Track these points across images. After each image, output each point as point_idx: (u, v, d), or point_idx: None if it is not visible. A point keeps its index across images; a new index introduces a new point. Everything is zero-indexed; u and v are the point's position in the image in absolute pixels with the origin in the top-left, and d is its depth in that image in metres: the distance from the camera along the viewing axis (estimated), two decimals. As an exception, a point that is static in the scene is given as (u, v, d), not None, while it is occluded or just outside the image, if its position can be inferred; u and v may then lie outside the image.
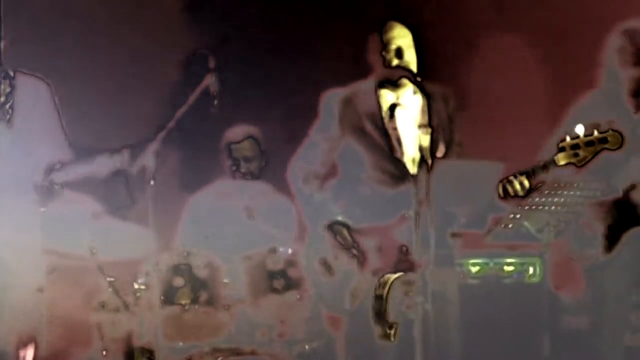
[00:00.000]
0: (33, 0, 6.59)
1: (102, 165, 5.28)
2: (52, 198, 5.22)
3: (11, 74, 5.08)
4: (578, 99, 5.44)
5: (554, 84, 7.16)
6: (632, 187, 5.35)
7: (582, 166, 4.76)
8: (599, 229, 5.39)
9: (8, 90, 5.08)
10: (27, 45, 6.07)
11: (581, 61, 5.93)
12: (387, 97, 5.20)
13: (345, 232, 5.04)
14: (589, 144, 4.70)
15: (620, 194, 5.35)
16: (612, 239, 5.36)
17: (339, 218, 5.08)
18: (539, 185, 4.96)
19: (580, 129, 4.70)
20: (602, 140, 4.67)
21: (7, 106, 5.06)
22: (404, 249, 4.85)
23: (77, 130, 5.94)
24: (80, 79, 6.66)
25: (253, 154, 6.51)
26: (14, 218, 4.98)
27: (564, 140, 4.75)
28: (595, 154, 4.70)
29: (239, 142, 6.50)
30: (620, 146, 4.68)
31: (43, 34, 6.66)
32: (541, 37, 7.28)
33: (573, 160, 4.74)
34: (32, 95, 5.14)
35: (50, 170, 5.14)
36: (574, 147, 4.72)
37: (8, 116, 5.05)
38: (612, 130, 4.68)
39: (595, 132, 4.68)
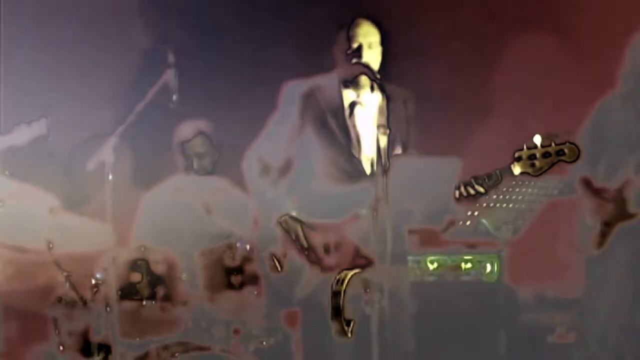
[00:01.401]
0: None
1: (21, 134, 5.34)
2: None
3: None
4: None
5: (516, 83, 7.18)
6: (626, 182, 5.39)
7: (537, 176, 4.72)
8: (595, 223, 5.43)
9: None
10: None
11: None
12: (348, 94, 5.20)
13: (298, 227, 5.03)
14: (545, 155, 4.64)
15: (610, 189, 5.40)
16: (604, 233, 5.40)
17: (293, 213, 5.07)
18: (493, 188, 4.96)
19: (537, 139, 4.66)
20: (559, 152, 4.62)
21: None
22: (358, 246, 4.85)
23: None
24: (40, 70, 6.63)
25: (205, 150, 6.50)
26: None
27: (521, 149, 4.72)
28: (552, 165, 4.68)
29: (190, 140, 6.49)
30: (577, 159, 4.65)
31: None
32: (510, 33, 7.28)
33: (529, 170, 4.68)
34: None
35: None
36: (531, 157, 4.66)
37: None
38: (569, 142, 4.64)
39: (553, 144, 4.64)
